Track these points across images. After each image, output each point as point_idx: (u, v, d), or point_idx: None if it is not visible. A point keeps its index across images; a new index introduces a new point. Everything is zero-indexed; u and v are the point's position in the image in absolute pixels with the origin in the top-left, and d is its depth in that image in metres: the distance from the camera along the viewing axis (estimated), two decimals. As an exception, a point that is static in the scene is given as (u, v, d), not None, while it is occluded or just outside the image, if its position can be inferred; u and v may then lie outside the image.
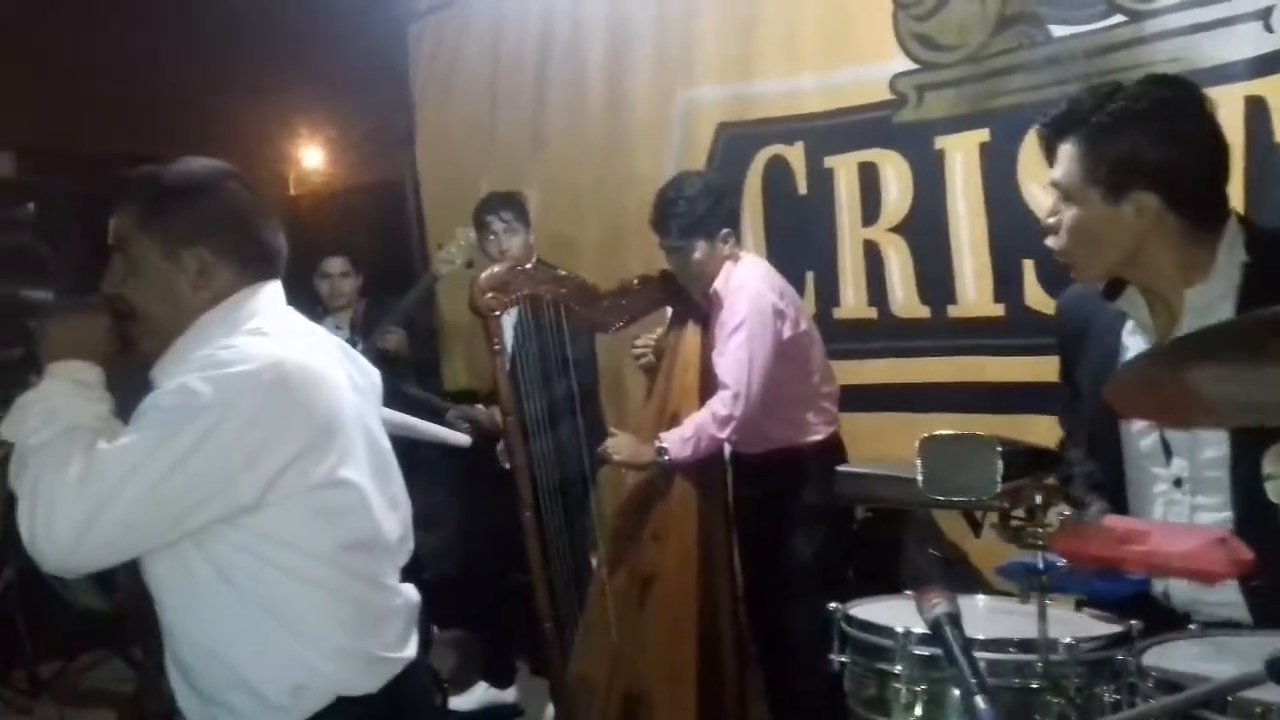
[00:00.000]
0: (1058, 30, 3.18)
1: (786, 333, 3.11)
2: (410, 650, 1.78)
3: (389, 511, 1.78)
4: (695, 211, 3.11)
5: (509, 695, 4.08)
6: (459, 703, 3.98)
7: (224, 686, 1.68)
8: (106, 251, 1.80)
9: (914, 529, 3.52)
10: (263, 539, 1.64)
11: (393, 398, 4.10)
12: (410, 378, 4.37)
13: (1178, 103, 1.74)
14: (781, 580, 3.19)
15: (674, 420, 3.13)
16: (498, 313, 2.95)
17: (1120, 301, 1.85)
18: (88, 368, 1.67)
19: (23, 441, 1.60)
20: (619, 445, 3.12)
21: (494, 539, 3.95)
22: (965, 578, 3.30)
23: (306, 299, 4.71)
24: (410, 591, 1.83)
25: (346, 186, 6.43)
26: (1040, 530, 1.63)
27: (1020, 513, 1.65)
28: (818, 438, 3.25)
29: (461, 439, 3.68)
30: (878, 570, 3.30)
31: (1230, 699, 1.38)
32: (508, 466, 3.88)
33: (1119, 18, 3.06)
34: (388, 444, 1.83)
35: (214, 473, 1.57)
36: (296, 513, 1.64)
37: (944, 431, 1.59)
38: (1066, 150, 1.75)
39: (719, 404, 3.02)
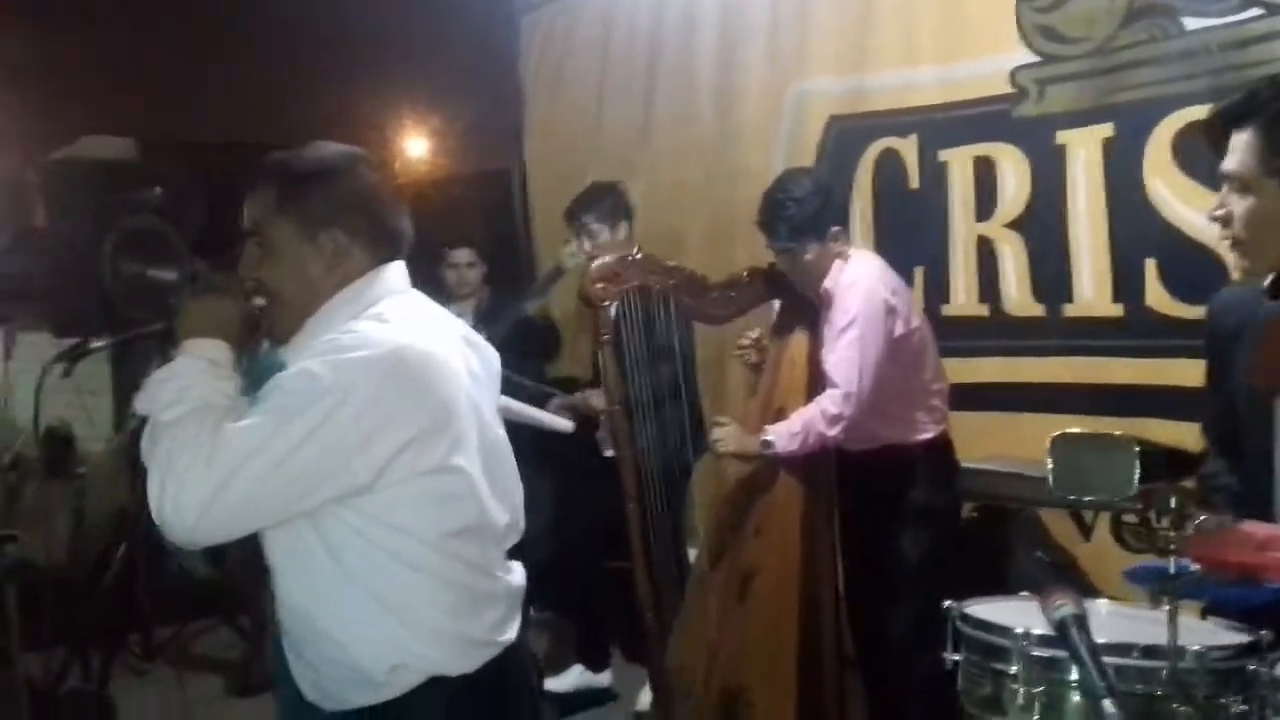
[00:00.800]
0: (1191, 23, 3.08)
1: (898, 330, 3.05)
2: (511, 634, 1.80)
3: (497, 499, 1.79)
4: (805, 212, 3.05)
5: (604, 679, 4.11)
6: (554, 684, 4.02)
7: (327, 659, 1.73)
8: (226, 235, 1.84)
9: (1019, 531, 3.45)
10: (372, 521, 1.67)
11: (510, 383, 4.21)
12: (536, 356, 4.47)
13: None
14: (887, 580, 3.14)
15: (779, 415, 3.10)
16: (607, 303, 2.96)
17: None
18: (220, 347, 1.71)
19: (156, 416, 1.64)
20: (727, 436, 3.11)
21: (591, 524, 3.98)
22: (1073, 582, 3.22)
23: (422, 287, 4.82)
24: (516, 574, 1.84)
25: (454, 176, 6.53)
26: (1174, 534, 1.58)
27: (1154, 516, 1.60)
28: (927, 436, 3.18)
29: (564, 425, 3.71)
30: (982, 572, 3.23)
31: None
32: (608, 454, 3.93)
33: (1256, 10, 2.95)
34: (502, 432, 1.85)
35: (330, 455, 1.61)
36: (407, 497, 1.67)
37: (1077, 430, 1.55)
38: (1242, 140, 1.71)
39: (829, 402, 2.97)
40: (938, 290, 3.69)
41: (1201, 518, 1.60)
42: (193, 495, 1.57)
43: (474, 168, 6.40)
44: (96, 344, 1.81)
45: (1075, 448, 1.55)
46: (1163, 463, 1.54)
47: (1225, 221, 1.76)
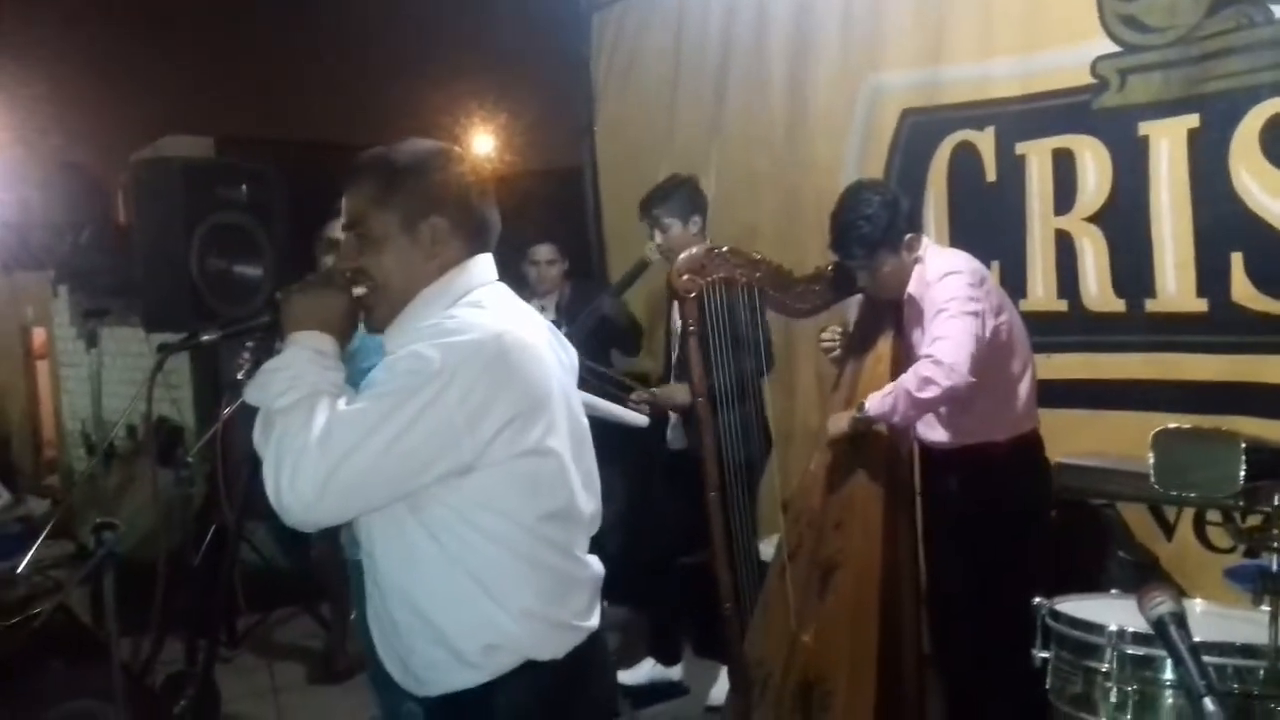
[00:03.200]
0: (1279, 10, 3.01)
1: (990, 318, 3.02)
2: (594, 620, 1.85)
3: (584, 486, 1.85)
4: (877, 229, 3.02)
5: (675, 673, 4.14)
6: (626, 677, 4.05)
7: (423, 640, 1.78)
8: (309, 230, 1.90)
9: (1101, 530, 3.41)
10: (470, 502, 1.72)
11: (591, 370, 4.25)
12: (624, 351, 4.51)
13: None
14: (972, 579, 3.11)
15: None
16: (694, 294, 2.98)
17: None
18: (326, 338, 1.78)
19: (269, 405, 1.72)
20: (829, 425, 3.11)
21: (662, 519, 4.01)
22: (1158, 581, 3.18)
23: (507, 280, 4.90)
24: (596, 563, 1.90)
25: (527, 172, 6.59)
26: (1278, 533, 1.57)
27: (1256, 514, 1.59)
28: (1016, 434, 3.14)
29: (639, 419, 3.74)
30: (1064, 572, 3.20)
31: None
32: (676, 448, 3.95)
33: (1353, -4, 2.88)
34: (586, 421, 1.90)
35: (440, 434, 1.67)
36: (504, 478, 1.72)
37: (1180, 425, 1.54)
38: None
39: (923, 365, 2.89)
40: (1015, 285, 3.65)
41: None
42: (309, 476, 1.63)
43: (546, 164, 6.45)
44: (207, 336, 1.87)
45: (1178, 443, 1.55)
46: (1268, 460, 1.53)
47: None
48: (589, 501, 1.87)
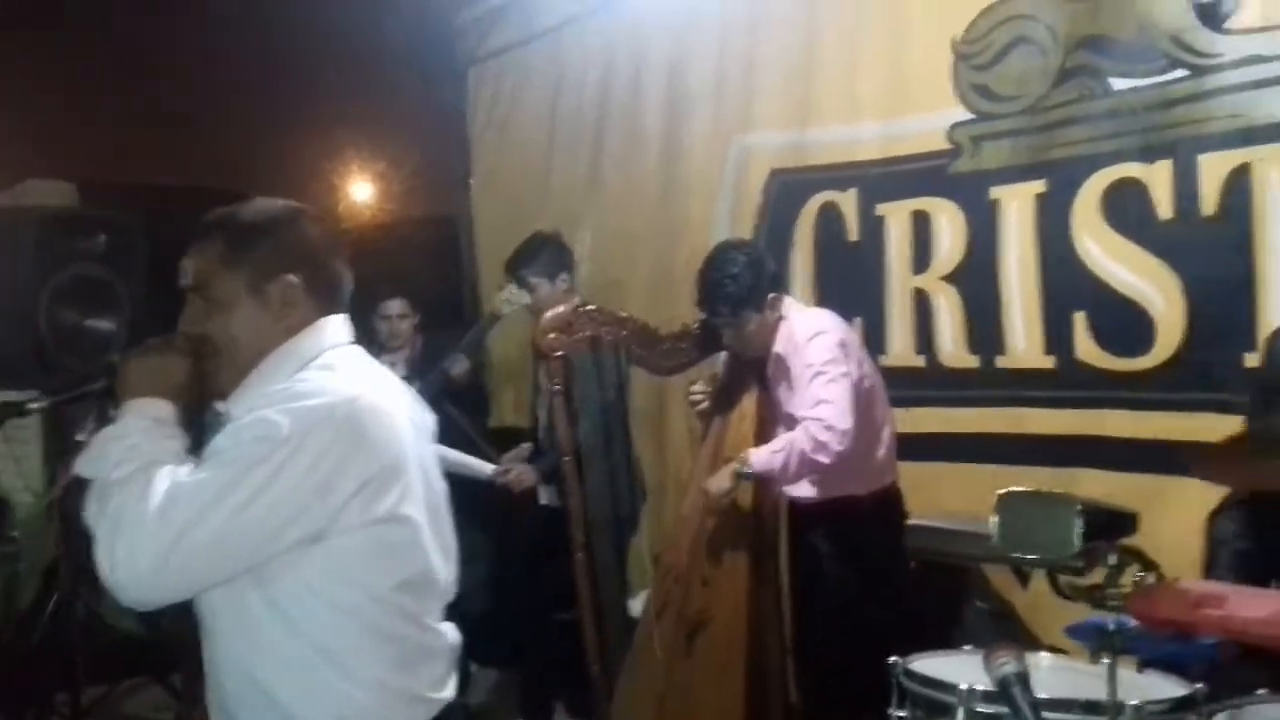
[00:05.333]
0: (1118, 83, 3.19)
1: (856, 374, 3.10)
2: (449, 691, 1.80)
3: (440, 553, 1.81)
4: (742, 287, 3.08)
5: (547, 732, 4.07)
6: (495, 741, 3.97)
7: (269, 718, 1.70)
8: (171, 282, 1.84)
9: (961, 581, 3.49)
10: (321, 572, 1.67)
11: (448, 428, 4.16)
12: (468, 409, 4.43)
13: None
14: (835, 633, 3.15)
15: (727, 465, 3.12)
16: (560, 353, 2.97)
17: None
18: (164, 405, 1.71)
19: (104, 476, 1.63)
20: (708, 486, 3.09)
21: (534, 576, 3.96)
22: (1012, 632, 3.27)
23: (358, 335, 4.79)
24: (452, 632, 1.85)
25: (399, 221, 6.53)
26: (1114, 591, 1.63)
27: (1095, 573, 1.64)
28: (877, 487, 3.22)
29: (485, 469, 3.68)
30: (925, 623, 3.27)
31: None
32: (544, 501, 3.91)
33: (1181, 72, 3.06)
34: (443, 485, 1.86)
35: (289, 502, 1.61)
36: (356, 548, 1.67)
37: (1022, 488, 1.59)
38: None
39: (816, 428, 2.95)
40: (876, 341, 3.74)
41: (1140, 575, 1.65)
42: (147, 552, 1.56)
43: (420, 215, 6.40)
44: (34, 405, 1.78)
45: (1020, 506, 1.59)
46: (1104, 522, 1.58)
47: None
48: (445, 569, 1.82)
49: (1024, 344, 3.43)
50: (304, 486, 1.61)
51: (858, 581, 3.12)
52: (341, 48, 5.80)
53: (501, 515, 4.11)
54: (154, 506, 1.57)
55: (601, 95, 4.73)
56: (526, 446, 3.95)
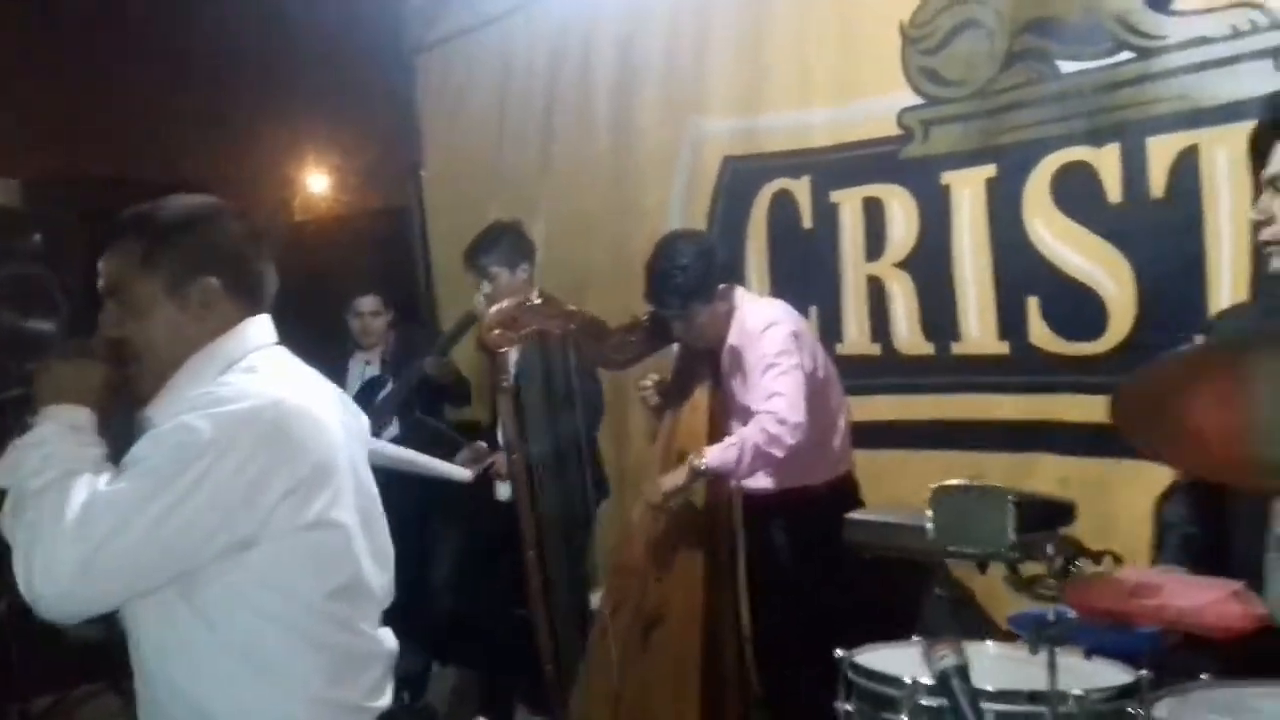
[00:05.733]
0: (1066, 66, 3.17)
1: (809, 366, 3.08)
2: (385, 700, 1.77)
3: (374, 557, 1.77)
4: (691, 279, 3.05)
5: (508, 731, 4.04)
6: (456, 741, 3.94)
7: None
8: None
9: (921, 568, 3.48)
10: (250, 581, 1.63)
11: (422, 429, 4.09)
12: (452, 405, 4.39)
13: None
14: (793, 623, 3.14)
15: (680, 459, 3.09)
16: (504, 349, 2.93)
17: None
18: (82, 412, 1.67)
19: (20, 486, 1.59)
20: (651, 490, 3.06)
21: (495, 574, 3.92)
22: (971, 619, 3.26)
23: (319, 329, 4.74)
24: (388, 639, 1.82)
25: (353, 213, 6.45)
26: (1052, 582, 1.61)
27: (1033, 565, 1.63)
28: (832, 477, 3.21)
29: (464, 474, 3.65)
30: (885, 611, 3.25)
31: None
32: (502, 497, 3.87)
33: (1127, 54, 3.04)
34: (375, 490, 1.83)
35: (213, 510, 1.57)
36: (286, 555, 1.64)
37: (957, 481, 1.57)
38: None
39: (768, 421, 2.93)
40: (831, 330, 3.72)
41: (1078, 564, 1.63)
42: (65, 563, 1.51)
43: (373, 205, 6.32)
44: (-51, 416, 1.72)
45: (954, 499, 1.57)
46: (1039, 512, 1.57)
47: (1267, 223, 1.84)
48: (379, 574, 1.79)
49: (978, 330, 3.42)
50: (229, 493, 1.58)
51: (815, 571, 3.11)
52: (290, 38, 5.70)
53: (466, 515, 4.08)
54: (72, 517, 1.53)
55: (551, 82, 4.67)
56: (481, 445, 3.91)
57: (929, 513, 1.58)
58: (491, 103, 4.94)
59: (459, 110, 5.13)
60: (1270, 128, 1.83)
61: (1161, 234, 3.00)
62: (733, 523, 3.22)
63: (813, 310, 3.76)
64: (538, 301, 3.05)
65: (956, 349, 3.47)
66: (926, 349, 3.54)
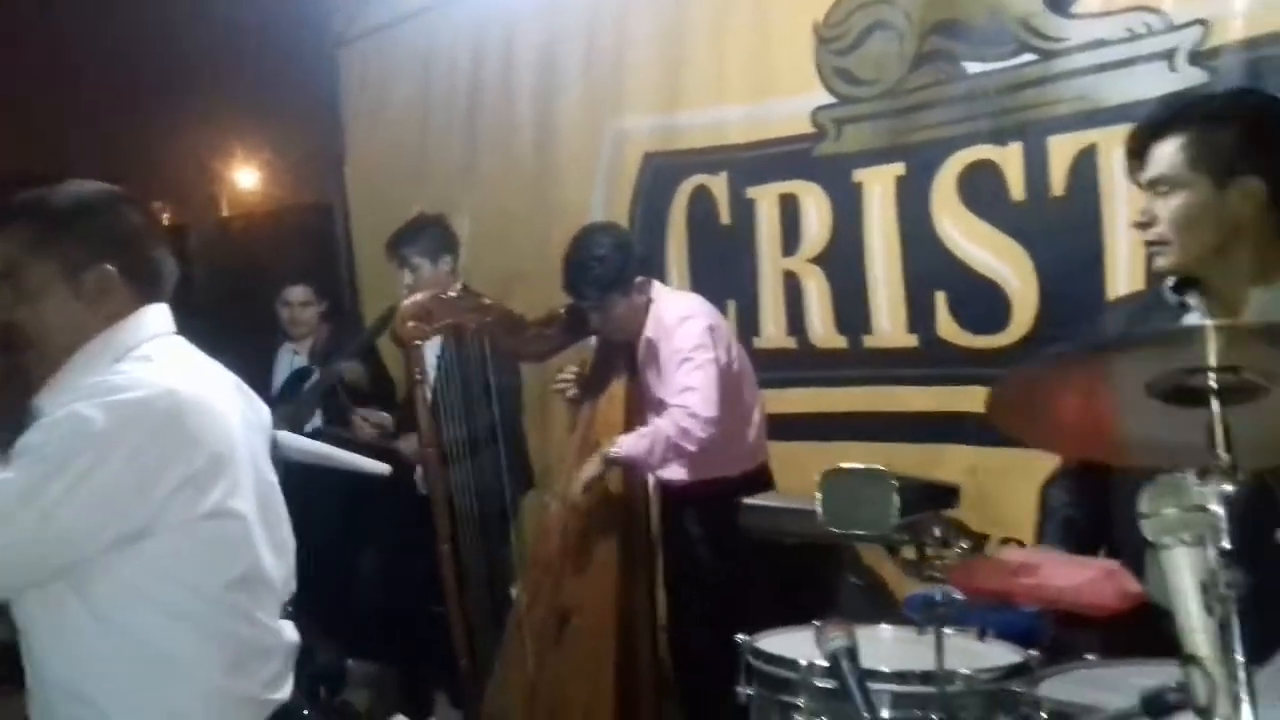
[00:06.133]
0: (972, 67, 3.25)
1: (722, 360, 3.12)
2: (284, 692, 1.76)
3: (274, 548, 1.77)
4: (609, 271, 3.09)
5: (428, 727, 4.02)
6: (374, 738, 3.91)
7: None
8: None
9: (835, 556, 3.55)
10: (144, 573, 1.61)
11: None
12: (371, 408, 4.34)
13: (1275, 104, 1.92)
14: (707, 613, 3.18)
15: (596, 450, 3.11)
16: (419, 342, 2.93)
17: (1189, 298, 1.89)
18: None
19: None
20: (569, 485, 3.07)
21: (415, 569, 3.90)
22: (883, 604, 3.33)
23: (248, 321, 4.68)
24: (288, 631, 1.81)
25: (281, 208, 6.38)
26: (938, 563, 1.66)
27: (922, 546, 1.68)
28: (747, 468, 3.25)
29: (382, 468, 3.63)
30: (799, 599, 3.31)
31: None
32: (424, 492, 3.86)
33: (1030, 56, 3.13)
34: (275, 480, 1.82)
35: (105, 501, 1.56)
36: (182, 546, 1.62)
37: (844, 465, 1.62)
38: (1169, 146, 1.85)
39: (680, 415, 2.97)
40: (749, 324, 3.78)
41: (963, 545, 1.69)
42: None
43: (298, 201, 6.26)
44: None
45: (841, 482, 1.61)
46: (924, 495, 1.61)
47: (1149, 224, 1.88)
48: (278, 566, 1.78)
49: (889, 324, 3.49)
50: (121, 484, 1.56)
51: (730, 561, 3.15)
52: (215, 32, 5.60)
53: (390, 509, 4.05)
54: None
55: (473, 77, 4.67)
56: (385, 416, 3.91)
57: (818, 496, 1.62)
58: (415, 99, 4.93)
59: (382, 106, 5.11)
60: (1145, 132, 1.88)
61: (1062, 230, 3.09)
62: (648, 514, 3.25)
63: (731, 305, 3.81)
64: (453, 294, 3.05)
65: (868, 342, 3.54)
66: (840, 343, 3.61)
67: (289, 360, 4.48)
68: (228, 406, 1.74)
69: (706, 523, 3.27)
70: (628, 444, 3.00)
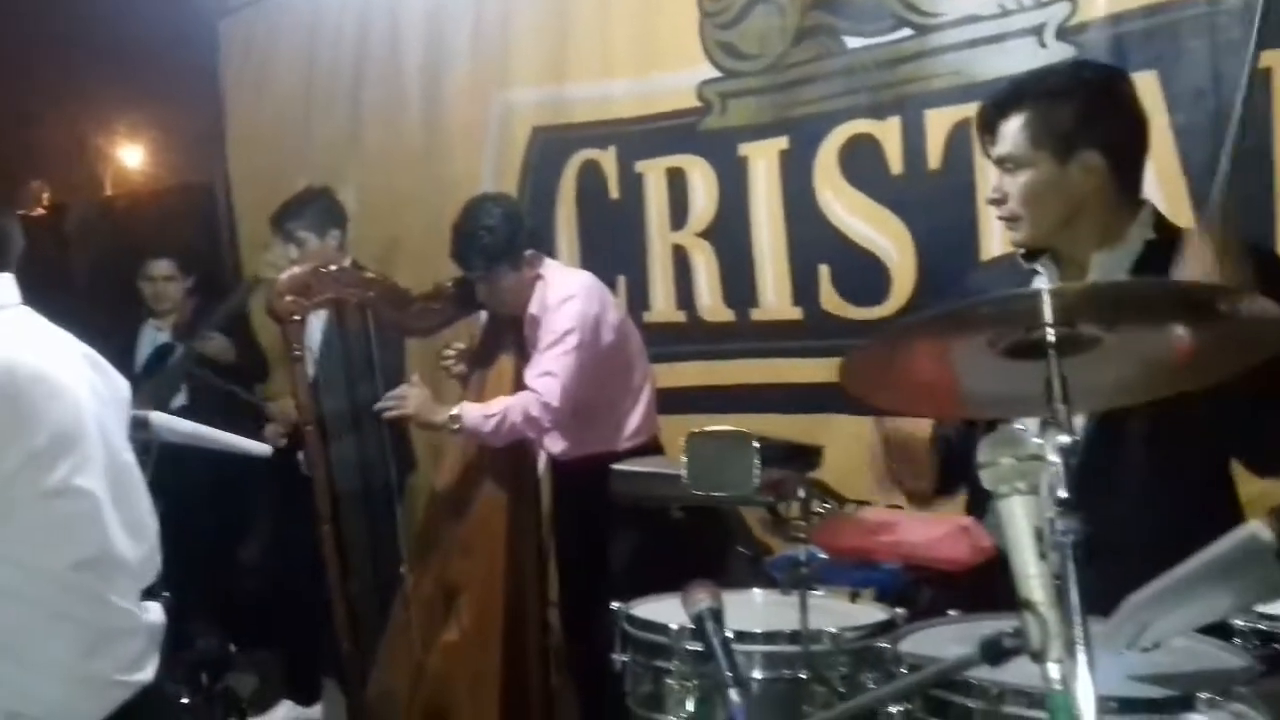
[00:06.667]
0: (851, 42, 3.29)
1: (606, 339, 3.09)
2: (146, 674, 1.72)
3: (128, 528, 1.72)
4: (498, 241, 3.03)
5: (314, 712, 3.95)
6: (261, 724, 3.84)
7: None
8: None
9: (723, 526, 3.58)
10: None
11: (217, 405, 3.92)
12: (238, 383, 4.21)
13: (1113, 77, 1.95)
14: (597, 586, 3.17)
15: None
16: (297, 317, 2.85)
17: (1038, 265, 1.93)
18: None
19: None
20: (412, 396, 3.00)
21: (300, 552, 3.83)
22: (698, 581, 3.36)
23: (122, 298, 4.52)
24: (150, 612, 1.76)
25: (161, 187, 6.17)
26: (802, 524, 1.68)
27: (786, 507, 1.69)
28: (637, 442, 3.25)
29: (263, 449, 3.54)
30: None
31: (973, 682, 1.43)
32: (320, 474, 3.78)
33: (907, 31, 3.18)
34: (131, 458, 1.77)
35: None
36: (25, 525, 1.58)
37: (707, 428, 1.62)
38: (1014, 124, 1.87)
39: (530, 402, 2.96)
40: (640, 298, 3.78)
41: (825, 506, 1.71)
42: None
43: (181, 178, 6.05)
44: None
45: (704, 445, 1.62)
46: (785, 456, 1.63)
47: (1001, 201, 1.91)
48: (133, 546, 1.72)
49: (775, 297, 3.53)
50: None
51: (617, 534, 3.15)
52: (92, 2, 5.38)
53: (275, 491, 3.96)
54: None
55: (359, 49, 4.57)
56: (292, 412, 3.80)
57: (682, 459, 1.62)
58: (298, 69, 4.81)
59: (264, 77, 4.98)
60: (992, 110, 1.90)
61: (938, 203, 3.15)
62: (536, 490, 3.23)
63: (621, 279, 3.81)
64: (334, 268, 2.98)
65: (756, 315, 3.57)
66: (728, 316, 3.63)
67: (152, 337, 4.35)
68: (75, 380, 1.68)
69: (596, 497, 3.25)
70: (473, 417, 2.96)
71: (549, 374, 2.97)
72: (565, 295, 3.08)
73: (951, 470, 2.03)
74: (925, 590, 1.98)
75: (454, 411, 2.96)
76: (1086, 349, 1.27)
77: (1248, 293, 1.25)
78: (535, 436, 2.97)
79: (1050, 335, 1.26)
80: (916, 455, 1.80)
